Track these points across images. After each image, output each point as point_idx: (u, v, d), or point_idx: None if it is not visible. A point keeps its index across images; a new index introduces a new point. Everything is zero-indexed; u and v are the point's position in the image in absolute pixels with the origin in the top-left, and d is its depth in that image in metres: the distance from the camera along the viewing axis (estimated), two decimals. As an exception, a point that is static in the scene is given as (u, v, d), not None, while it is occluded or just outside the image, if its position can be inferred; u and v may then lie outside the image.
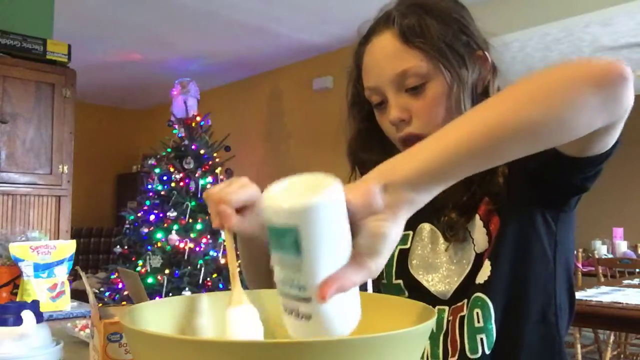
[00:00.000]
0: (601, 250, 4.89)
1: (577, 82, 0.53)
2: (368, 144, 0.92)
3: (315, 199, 0.42)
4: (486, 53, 0.85)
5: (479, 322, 0.78)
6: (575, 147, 0.66)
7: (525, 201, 0.79)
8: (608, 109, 0.56)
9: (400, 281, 0.89)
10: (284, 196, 0.44)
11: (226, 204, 0.62)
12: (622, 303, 2.22)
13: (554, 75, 0.55)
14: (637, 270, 3.84)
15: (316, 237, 0.43)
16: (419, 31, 0.80)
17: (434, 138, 0.52)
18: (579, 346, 3.22)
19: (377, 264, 0.46)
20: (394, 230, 0.47)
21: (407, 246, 0.89)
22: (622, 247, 4.77)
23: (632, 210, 5.96)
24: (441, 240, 0.86)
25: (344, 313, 0.47)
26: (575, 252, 1.80)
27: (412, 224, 0.89)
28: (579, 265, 4.38)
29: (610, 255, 4.68)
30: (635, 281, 3.09)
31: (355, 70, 0.90)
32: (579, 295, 2.39)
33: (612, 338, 3.38)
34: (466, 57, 0.81)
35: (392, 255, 0.89)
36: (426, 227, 0.88)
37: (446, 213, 0.83)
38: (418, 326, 0.45)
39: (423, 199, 0.50)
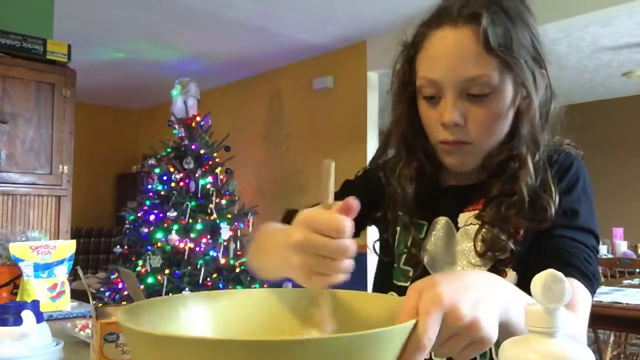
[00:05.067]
0: (601, 250, 4.89)
1: None
2: (418, 129, 0.87)
3: None
4: (547, 71, 0.80)
5: None
6: None
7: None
8: None
9: (410, 269, 0.87)
10: None
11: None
12: (622, 303, 2.22)
13: None
14: (637, 270, 3.83)
15: None
16: (503, 40, 0.75)
17: None
18: (579, 346, 3.21)
19: None
20: None
21: (422, 237, 0.88)
22: (622, 247, 4.76)
23: (632, 210, 5.96)
24: (457, 236, 0.85)
25: None
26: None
27: (429, 217, 0.89)
28: (579, 265, 4.36)
29: (610, 256, 4.67)
30: (635, 281, 3.09)
31: (412, 49, 0.83)
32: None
33: (612, 338, 3.38)
34: (536, 74, 0.78)
35: (406, 242, 0.89)
36: (442, 220, 0.87)
37: (487, 229, 0.81)
38: (395, 326, 0.45)
39: None
